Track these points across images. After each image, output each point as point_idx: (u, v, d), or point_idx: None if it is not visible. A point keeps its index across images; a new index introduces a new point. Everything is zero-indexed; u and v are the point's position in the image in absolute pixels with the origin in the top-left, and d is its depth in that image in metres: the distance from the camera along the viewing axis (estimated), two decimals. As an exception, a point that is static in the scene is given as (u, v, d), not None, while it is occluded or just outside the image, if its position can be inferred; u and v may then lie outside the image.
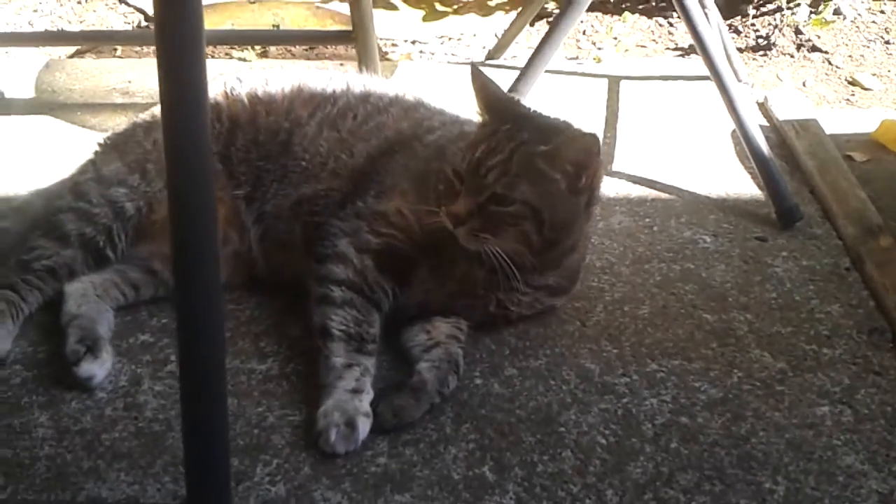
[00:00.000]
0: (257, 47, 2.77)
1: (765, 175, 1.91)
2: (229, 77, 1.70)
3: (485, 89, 1.46)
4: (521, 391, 1.44)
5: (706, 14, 2.20)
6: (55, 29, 3.01)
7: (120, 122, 1.87)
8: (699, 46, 2.01)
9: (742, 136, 1.96)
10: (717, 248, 1.82)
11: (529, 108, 1.50)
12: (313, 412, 1.36)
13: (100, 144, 1.72)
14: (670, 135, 2.28)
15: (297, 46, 2.85)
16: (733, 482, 1.27)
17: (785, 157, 2.17)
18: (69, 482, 1.26)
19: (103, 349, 1.44)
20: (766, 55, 2.86)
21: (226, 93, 1.66)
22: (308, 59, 2.78)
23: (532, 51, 2.20)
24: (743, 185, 2.05)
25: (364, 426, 1.32)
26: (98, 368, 1.42)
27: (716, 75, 1.98)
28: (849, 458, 1.32)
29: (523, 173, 1.38)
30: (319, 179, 1.58)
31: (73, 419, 1.37)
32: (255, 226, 1.61)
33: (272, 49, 2.81)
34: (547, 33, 2.19)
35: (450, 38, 3.06)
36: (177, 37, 0.97)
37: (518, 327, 1.57)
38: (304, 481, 1.27)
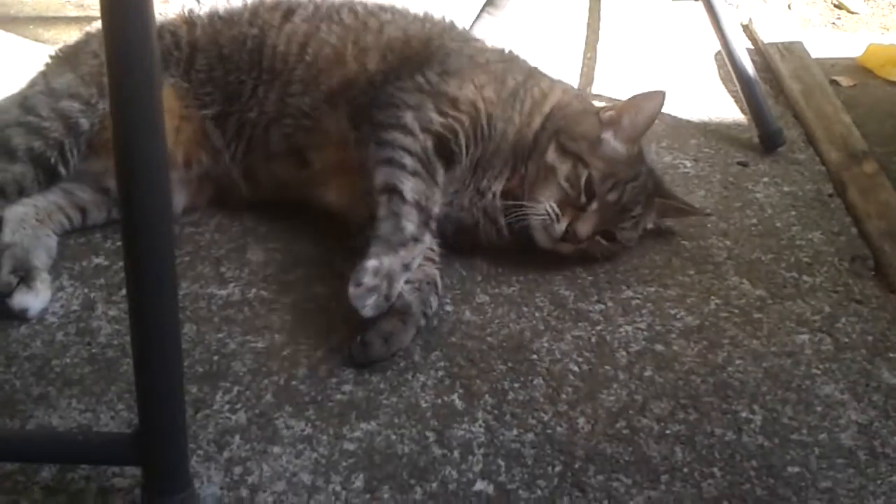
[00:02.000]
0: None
1: (749, 98, 1.84)
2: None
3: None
4: (492, 318, 1.39)
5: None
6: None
7: (73, 36, 1.76)
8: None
9: (728, 57, 1.88)
10: (698, 174, 1.76)
11: None
12: (276, 338, 1.31)
13: (51, 56, 1.62)
14: (652, 56, 2.20)
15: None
16: (708, 410, 1.24)
17: (769, 80, 2.10)
18: (17, 409, 1.20)
19: (38, 279, 1.36)
20: (751, -25, 2.76)
21: (183, 16, 1.56)
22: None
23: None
24: (726, 109, 1.98)
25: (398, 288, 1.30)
26: (33, 300, 1.34)
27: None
28: (828, 388, 1.29)
29: (645, 207, 1.48)
30: (345, 64, 1.50)
31: (23, 344, 1.30)
32: (235, 142, 1.53)
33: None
34: None
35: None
36: None
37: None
38: (265, 409, 1.22)
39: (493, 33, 1.93)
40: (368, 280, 1.26)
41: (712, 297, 1.45)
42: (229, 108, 1.52)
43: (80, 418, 1.19)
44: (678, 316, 1.41)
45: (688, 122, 1.93)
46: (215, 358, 1.30)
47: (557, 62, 2.12)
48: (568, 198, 1.41)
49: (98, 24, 1.63)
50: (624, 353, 1.33)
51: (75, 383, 1.24)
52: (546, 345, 1.34)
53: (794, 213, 1.66)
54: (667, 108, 1.95)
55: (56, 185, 1.49)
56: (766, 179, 1.75)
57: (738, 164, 1.79)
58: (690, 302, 1.44)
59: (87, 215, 1.51)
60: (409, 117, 1.41)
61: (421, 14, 1.60)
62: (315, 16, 1.55)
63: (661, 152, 1.82)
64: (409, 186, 1.35)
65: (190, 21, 1.56)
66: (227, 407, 1.22)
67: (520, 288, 1.45)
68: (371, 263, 1.27)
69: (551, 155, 1.43)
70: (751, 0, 2.63)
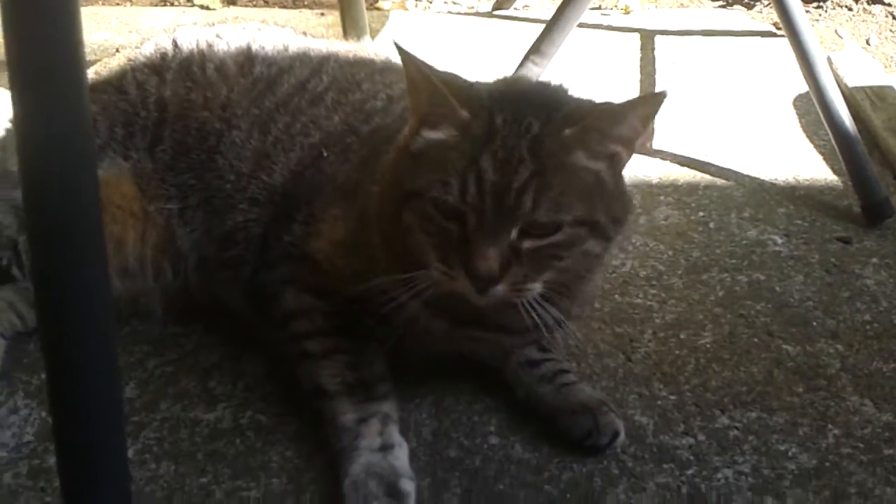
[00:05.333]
0: (224, -7, 2.37)
1: (849, 160, 1.54)
2: (163, 38, 1.31)
3: (436, 71, 0.99)
4: (551, 456, 1.09)
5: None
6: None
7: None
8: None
9: (822, 108, 1.58)
10: (792, 253, 1.45)
11: (489, 83, 1.06)
12: (274, 483, 1.03)
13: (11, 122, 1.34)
14: (720, 103, 1.90)
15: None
16: None
17: (858, 132, 1.79)
18: None
19: None
20: (820, 7, 2.47)
21: (156, 64, 1.27)
22: (284, 5, 2.37)
23: (549, 0, 1.80)
24: (814, 168, 1.68)
25: (410, 489, 1.00)
26: None
27: (790, 28, 1.60)
28: None
29: (561, 180, 0.96)
30: (237, 210, 1.21)
31: (-43, 488, 1.02)
32: (192, 252, 1.24)
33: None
34: None
35: (452, -16, 2.65)
36: None
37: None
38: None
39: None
40: (352, 500, 0.99)
41: (829, 426, 1.14)
42: (184, 210, 1.24)
43: None
44: (790, 454, 1.10)
45: (771, 184, 1.63)
46: (196, 511, 1.00)
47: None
48: (448, 246, 1.00)
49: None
50: (725, 509, 1.02)
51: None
52: (623, 496, 1.03)
53: (915, 305, 1.35)
54: (744, 168, 1.68)
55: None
56: (875, 261, 1.44)
57: (839, 240, 1.49)
58: (803, 433, 1.13)
59: None
60: (289, 298, 1.14)
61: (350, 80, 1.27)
62: (261, 117, 1.24)
63: (745, 224, 1.51)
64: (328, 374, 1.09)
65: (161, 71, 1.27)
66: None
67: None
68: (345, 484, 1.00)
69: (408, 216, 1.02)
70: (824, 34, 2.34)
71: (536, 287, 0.97)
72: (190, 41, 1.30)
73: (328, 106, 1.23)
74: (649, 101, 0.98)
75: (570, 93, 1.06)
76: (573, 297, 1.07)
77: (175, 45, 1.30)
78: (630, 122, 0.97)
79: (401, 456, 1.03)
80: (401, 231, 1.02)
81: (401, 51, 0.98)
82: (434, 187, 0.96)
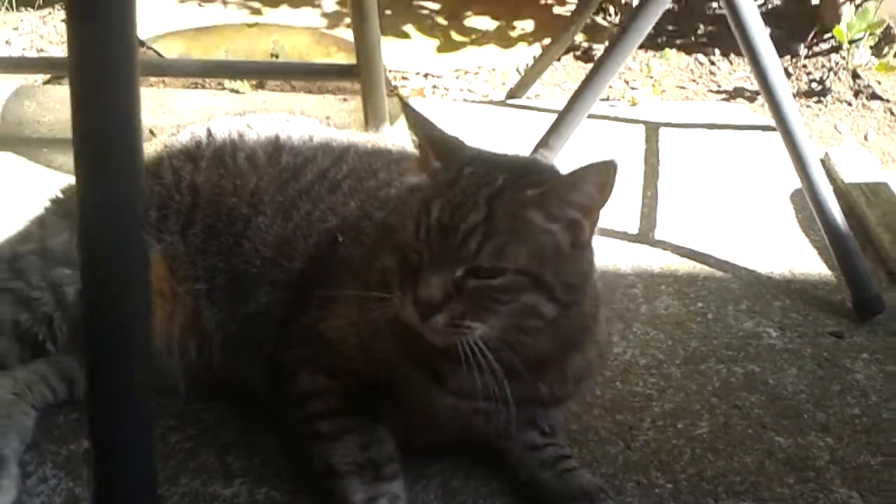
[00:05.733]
0: (253, 79, 2.49)
1: (841, 256, 1.62)
2: (198, 128, 1.40)
3: (427, 126, 1.12)
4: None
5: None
6: (34, 50, 2.73)
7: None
8: (765, 92, 1.71)
9: (814, 205, 1.66)
10: (786, 346, 1.52)
11: (481, 148, 1.16)
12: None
13: (52, 202, 1.43)
14: (720, 196, 1.98)
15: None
16: None
17: (853, 227, 1.86)
18: None
19: (4, 474, 1.15)
20: (820, 101, 2.57)
21: (191, 151, 1.37)
22: (310, 91, 2.49)
23: (560, 90, 1.92)
24: (809, 263, 1.75)
25: None
26: None
27: (783, 127, 1.68)
28: None
29: (510, 230, 1.03)
30: (260, 292, 1.29)
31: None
32: (218, 331, 1.31)
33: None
34: (590, 74, 1.86)
35: (466, 73, 2.77)
36: (99, 69, 0.69)
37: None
38: None
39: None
40: None
41: (819, 518, 1.19)
42: (211, 291, 1.31)
43: None
44: (780, 546, 1.15)
45: (768, 278, 1.70)
46: (215, 586, 1.06)
47: (612, 200, 1.92)
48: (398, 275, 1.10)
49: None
50: None
51: None
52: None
53: (903, 401, 1.41)
54: (742, 260, 1.75)
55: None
56: (865, 356, 1.50)
57: (832, 334, 1.55)
58: (794, 525, 1.18)
59: (76, 386, 1.31)
60: (303, 380, 1.22)
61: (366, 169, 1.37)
62: (284, 204, 1.33)
63: (741, 316, 1.58)
64: (339, 455, 1.15)
65: (195, 158, 1.36)
66: None
67: None
68: None
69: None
70: (824, 129, 2.44)
71: (477, 328, 1.03)
72: (223, 131, 1.39)
73: (345, 193, 1.32)
74: (601, 170, 1.05)
75: (552, 168, 1.15)
76: (536, 362, 1.11)
77: (209, 133, 1.39)
78: (586, 189, 1.05)
79: None
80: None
81: (405, 106, 1.10)
82: (400, 224, 1.06)
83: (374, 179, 1.34)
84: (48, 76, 2.49)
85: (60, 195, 1.42)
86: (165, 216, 1.33)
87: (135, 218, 0.77)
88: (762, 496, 1.22)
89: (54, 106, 2.26)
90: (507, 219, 1.03)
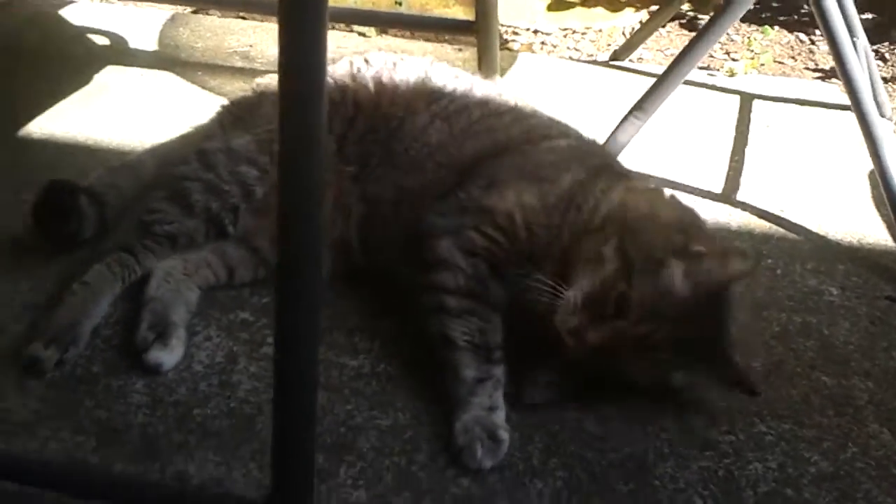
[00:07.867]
0: (377, 26, 2.72)
1: (904, 231, 1.77)
2: (356, 58, 1.65)
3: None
4: (615, 433, 1.36)
5: (854, 43, 2.02)
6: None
7: (238, 87, 1.84)
8: (842, 74, 1.87)
9: (882, 181, 1.82)
10: (844, 303, 1.69)
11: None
12: (399, 417, 1.34)
13: (226, 109, 1.69)
14: (802, 166, 2.14)
15: (416, 31, 2.78)
16: (837, 572, 1.18)
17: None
18: (159, 455, 1.25)
19: (173, 336, 1.39)
20: (907, 84, 2.67)
21: (353, 75, 1.61)
22: (428, 39, 2.71)
23: (662, 55, 2.07)
24: (877, 235, 1.91)
25: (506, 437, 1.28)
26: (167, 356, 1.38)
27: (858, 108, 1.83)
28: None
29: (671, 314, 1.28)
30: (425, 171, 1.52)
31: (168, 389, 1.36)
32: (358, 206, 1.55)
33: (392, 27, 2.75)
34: (691, 42, 2.00)
35: (574, 32, 2.95)
36: (299, 12, 0.91)
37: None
38: (384, 491, 1.23)
39: (637, 135, 1.92)
40: (462, 439, 1.28)
41: (850, 444, 1.39)
42: (360, 172, 1.56)
43: (214, 472, 1.23)
44: (812, 460, 1.35)
45: (837, 244, 1.87)
46: (342, 430, 1.32)
47: (702, 163, 2.10)
48: (595, 300, 1.29)
49: (266, 80, 1.71)
50: (751, 492, 1.29)
51: (213, 435, 1.29)
52: (670, 471, 1.31)
53: (944, 361, 1.58)
54: (815, 226, 1.92)
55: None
56: (915, 320, 1.67)
57: (887, 298, 1.72)
58: (826, 447, 1.38)
59: (234, 274, 1.55)
60: (444, 247, 1.41)
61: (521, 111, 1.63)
62: (446, 109, 1.58)
63: (807, 275, 1.76)
64: (460, 331, 1.35)
65: (356, 79, 1.61)
66: (349, 482, 1.24)
67: (647, 405, 1.42)
68: (456, 427, 1.29)
69: (608, 250, 1.32)
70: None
71: None
72: (377, 59, 1.65)
73: (507, 123, 1.58)
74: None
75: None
76: None
77: (366, 61, 1.64)
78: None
79: (501, 416, 1.32)
80: (589, 242, 1.34)
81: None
82: (639, 293, 1.28)
83: (534, 118, 1.62)
84: (194, 7, 2.75)
85: (231, 107, 1.68)
86: (331, 122, 1.55)
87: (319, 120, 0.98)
88: (803, 421, 1.42)
89: (205, 34, 2.51)
90: (685, 358, 1.33)
